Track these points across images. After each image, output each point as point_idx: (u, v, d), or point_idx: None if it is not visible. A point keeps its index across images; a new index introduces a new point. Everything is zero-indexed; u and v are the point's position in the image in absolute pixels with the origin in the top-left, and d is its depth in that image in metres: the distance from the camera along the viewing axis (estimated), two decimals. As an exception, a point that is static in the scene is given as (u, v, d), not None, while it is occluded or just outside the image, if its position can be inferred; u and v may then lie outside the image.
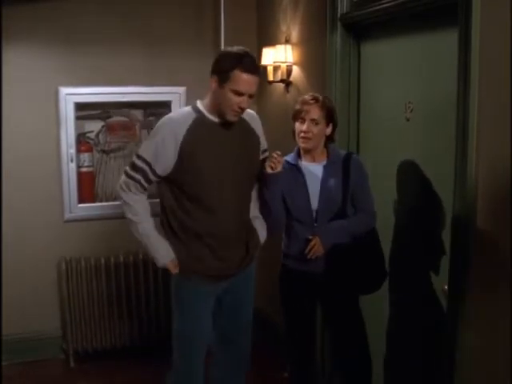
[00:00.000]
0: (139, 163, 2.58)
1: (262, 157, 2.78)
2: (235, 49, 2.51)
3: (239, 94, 2.46)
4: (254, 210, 2.80)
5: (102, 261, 4.05)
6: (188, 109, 2.65)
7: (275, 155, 2.65)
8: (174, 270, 2.65)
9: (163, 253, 2.64)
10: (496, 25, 2.15)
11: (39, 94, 3.95)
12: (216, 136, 2.58)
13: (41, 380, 3.87)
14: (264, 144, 2.80)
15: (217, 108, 2.54)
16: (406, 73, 2.88)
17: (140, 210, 2.64)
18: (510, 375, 2.10)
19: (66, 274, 3.98)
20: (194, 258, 2.63)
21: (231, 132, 2.61)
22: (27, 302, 4.03)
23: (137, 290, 4.11)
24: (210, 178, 2.56)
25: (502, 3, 2.09)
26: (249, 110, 2.71)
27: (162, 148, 2.52)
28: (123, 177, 2.65)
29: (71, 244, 4.08)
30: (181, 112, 2.70)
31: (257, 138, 2.75)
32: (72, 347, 4.03)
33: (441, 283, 2.59)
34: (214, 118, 2.58)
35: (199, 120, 2.56)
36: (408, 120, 2.85)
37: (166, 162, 2.53)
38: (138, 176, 2.59)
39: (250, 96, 2.51)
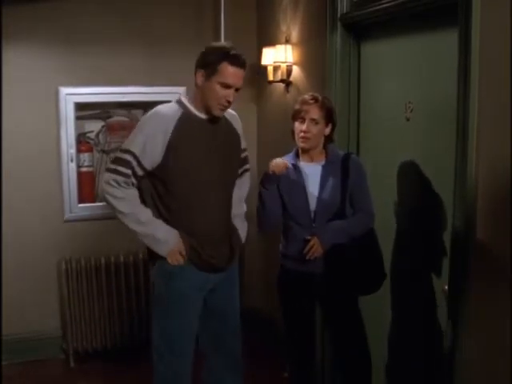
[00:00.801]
0: (128, 157, 2.51)
1: (242, 155, 2.77)
2: (221, 43, 2.55)
3: (226, 86, 2.47)
4: (235, 209, 2.77)
5: (102, 261, 4.05)
6: (173, 104, 2.62)
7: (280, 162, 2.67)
8: (180, 257, 2.56)
9: (170, 235, 2.56)
10: (496, 25, 2.15)
11: (39, 94, 3.94)
12: (202, 133, 2.57)
13: (41, 380, 3.87)
14: (243, 143, 2.80)
15: (203, 103, 2.54)
16: (406, 73, 2.88)
17: (135, 201, 2.57)
18: (510, 376, 2.10)
19: (66, 274, 3.98)
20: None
21: (216, 130, 2.60)
22: (27, 302, 4.03)
23: (137, 289, 4.11)
24: (195, 177, 2.55)
25: (502, 3, 2.09)
26: (229, 110, 2.70)
27: (151, 142, 2.49)
28: (109, 174, 2.55)
29: (71, 244, 4.08)
30: (168, 107, 2.63)
31: (238, 136, 2.75)
32: (72, 347, 4.03)
33: (441, 284, 2.59)
34: (200, 115, 2.57)
35: (186, 116, 2.55)
36: (408, 120, 2.85)
37: (153, 157, 2.50)
38: (127, 171, 2.52)
39: (237, 90, 2.52)
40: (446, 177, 2.52)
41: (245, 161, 2.81)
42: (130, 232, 2.61)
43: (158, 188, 2.56)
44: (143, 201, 2.60)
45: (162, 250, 2.57)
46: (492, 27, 2.17)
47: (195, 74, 2.54)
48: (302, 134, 2.74)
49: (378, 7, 2.87)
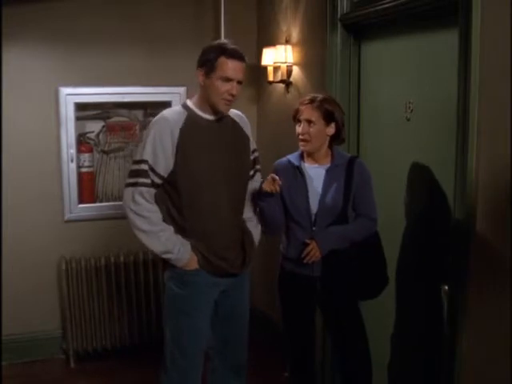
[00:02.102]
0: (144, 167, 2.51)
1: (251, 157, 2.77)
2: (217, 41, 2.55)
3: (227, 80, 2.47)
4: (247, 212, 2.77)
5: (102, 261, 4.05)
6: (178, 108, 2.63)
7: (276, 180, 2.61)
8: (195, 264, 2.59)
9: (185, 249, 2.57)
10: (496, 25, 2.15)
11: (39, 94, 3.94)
12: (209, 135, 2.57)
13: (41, 380, 3.87)
14: (253, 144, 2.79)
15: (208, 102, 2.53)
16: (406, 73, 2.88)
17: (157, 218, 2.56)
18: (510, 376, 2.10)
19: (66, 274, 3.98)
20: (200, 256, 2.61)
21: (223, 131, 2.60)
22: (27, 302, 4.03)
23: (137, 289, 4.11)
24: (204, 179, 2.54)
25: (502, 3, 2.09)
26: (237, 112, 2.71)
27: (160, 147, 2.49)
28: (132, 189, 2.53)
29: (71, 244, 4.08)
30: (173, 111, 2.63)
31: (247, 138, 2.73)
32: (72, 347, 4.03)
33: (441, 284, 2.58)
34: (205, 116, 2.57)
35: (191, 119, 2.54)
36: (408, 120, 2.85)
37: (166, 162, 2.50)
38: (147, 180, 2.51)
39: (239, 82, 2.52)
40: (446, 177, 2.53)
41: (255, 162, 2.80)
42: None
43: (171, 194, 2.56)
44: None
45: (179, 263, 2.59)
46: (492, 27, 2.17)
47: (197, 74, 2.54)
48: (300, 137, 2.72)
49: (378, 7, 2.87)
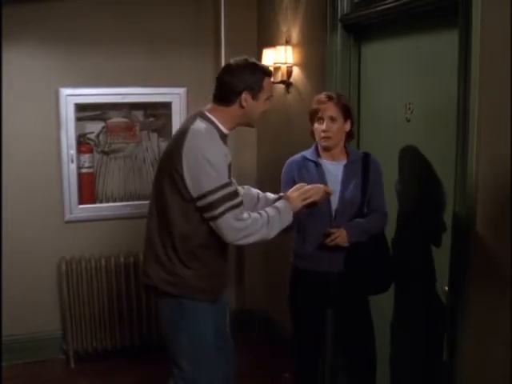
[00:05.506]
0: (231, 188, 2.37)
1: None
2: (250, 59, 2.47)
3: (269, 98, 2.51)
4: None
5: (102, 261, 4.05)
6: (206, 124, 2.42)
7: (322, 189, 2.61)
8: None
9: (284, 206, 2.49)
10: (496, 25, 2.15)
11: (40, 94, 3.94)
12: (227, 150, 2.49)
13: (41, 380, 3.87)
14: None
15: (244, 121, 2.51)
16: (406, 73, 2.89)
17: (255, 215, 2.41)
18: (509, 376, 2.10)
19: (67, 275, 3.98)
20: (218, 275, 2.53)
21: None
22: (27, 302, 4.03)
23: (137, 290, 4.10)
24: None
25: (502, 3, 2.09)
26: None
27: (224, 166, 2.37)
28: (226, 217, 2.33)
29: (71, 245, 4.08)
30: (208, 130, 2.42)
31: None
32: (72, 347, 4.03)
33: (441, 284, 2.59)
34: (224, 130, 2.48)
35: (221, 135, 2.45)
36: (408, 121, 2.85)
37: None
38: (239, 199, 2.40)
39: None
40: (446, 178, 2.52)
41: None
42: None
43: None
44: (169, 232, 2.43)
45: (291, 213, 2.50)
46: (492, 27, 2.17)
47: (238, 98, 2.42)
48: (323, 134, 2.74)
49: (378, 8, 2.87)
